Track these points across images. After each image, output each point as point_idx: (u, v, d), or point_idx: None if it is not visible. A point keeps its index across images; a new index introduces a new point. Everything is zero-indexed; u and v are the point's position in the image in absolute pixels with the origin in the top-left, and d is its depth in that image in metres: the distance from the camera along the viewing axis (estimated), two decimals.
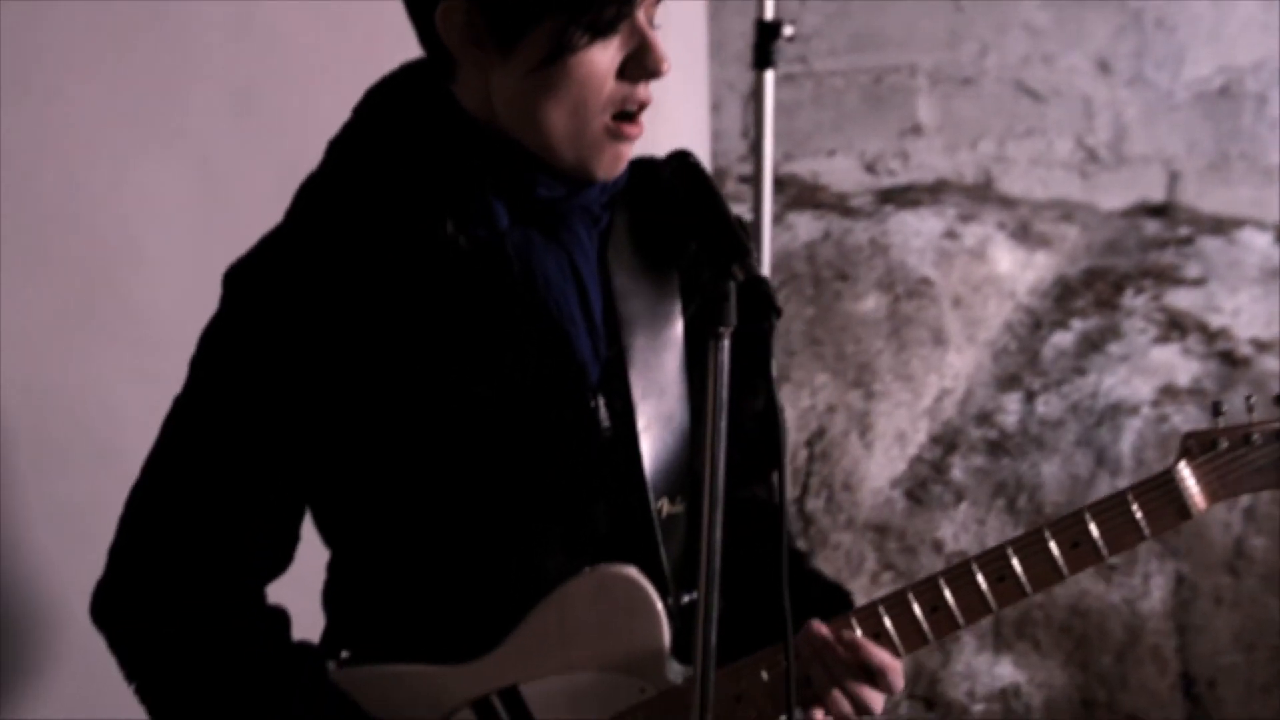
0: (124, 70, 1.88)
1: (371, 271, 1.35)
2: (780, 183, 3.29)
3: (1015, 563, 1.39)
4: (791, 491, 2.90)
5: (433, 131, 1.36)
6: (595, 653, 1.38)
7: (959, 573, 1.40)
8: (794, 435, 2.96)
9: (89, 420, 1.88)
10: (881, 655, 1.37)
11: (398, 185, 1.35)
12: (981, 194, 3.29)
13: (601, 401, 1.38)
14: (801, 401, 2.98)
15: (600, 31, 1.30)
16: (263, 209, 1.93)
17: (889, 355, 3.04)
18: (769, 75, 2.43)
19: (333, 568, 1.47)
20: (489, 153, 1.35)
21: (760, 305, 1.16)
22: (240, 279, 1.38)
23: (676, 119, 2.30)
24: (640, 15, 1.33)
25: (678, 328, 1.41)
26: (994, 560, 1.40)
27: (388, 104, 1.40)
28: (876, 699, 1.38)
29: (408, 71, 1.41)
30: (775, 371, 1.14)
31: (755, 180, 2.46)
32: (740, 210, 3.16)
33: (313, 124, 1.95)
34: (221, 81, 1.95)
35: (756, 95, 2.44)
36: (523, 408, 1.35)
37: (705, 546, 1.12)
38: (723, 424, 1.14)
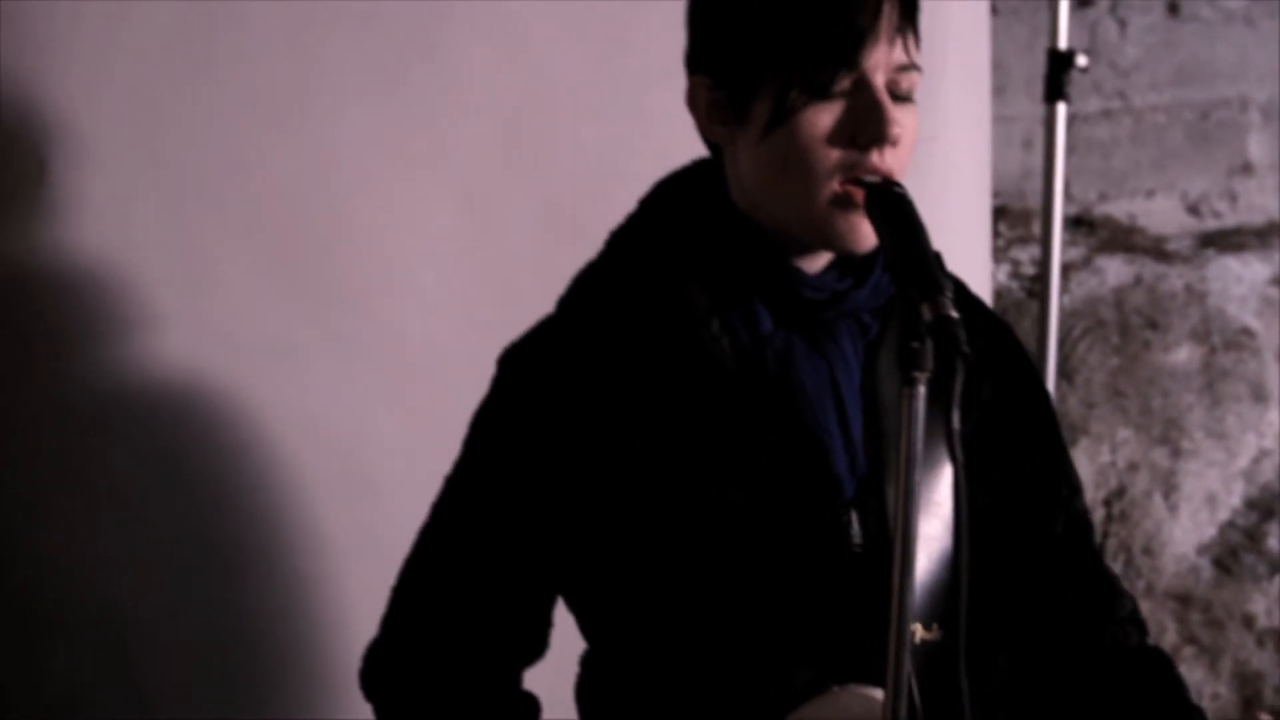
0: (394, 100, 1.93)
1: (635, 366, 1.34)
2: (1092, 224, 3.14)
3: None
4: None
5: (704, 227, 1.36)
6: None
7: None
8: (1091, 493, 2.80)
9: (348, 449, 1.92)
10: None
11: (667, 282, 1.35)
12: None
13: (855, 517, 1.32)
14: (1100, 457, 2.82)
15: (817, 92, 1.27)
16: (524, 239, 1.95)
17: (1201, 411, 2.84)
18: (1061, 109, 2.30)
19: (584, 662, 1.46)
20: (754, 250, 1.33)
21: (944, 349, 1.06)
22: (510, 363, 1.41)
23: (956, 157, 2.20)
24: (877, 77, 1.28)
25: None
26: None
27: (667, 197, 1.40)
28: None
29: (695, 166, 1.41)
30: (958, 423, 1.05)
31: (1045, 222, 2.33)
32: (1030, 253, 3.02)
33: (576, 156, 1.97)
34: (487, 112, 1.96)
35: (1048, 130, 2.32)
36: (771, 518, 1.31)
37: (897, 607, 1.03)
38: (915, 479, 1.05)
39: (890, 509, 1.32)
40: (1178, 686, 1.42)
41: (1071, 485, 1.46)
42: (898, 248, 1.19)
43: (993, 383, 1.40)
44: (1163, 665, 1.44)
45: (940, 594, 1.31)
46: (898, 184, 1.26)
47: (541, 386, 1.37)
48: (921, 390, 1.07)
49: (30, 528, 1.83)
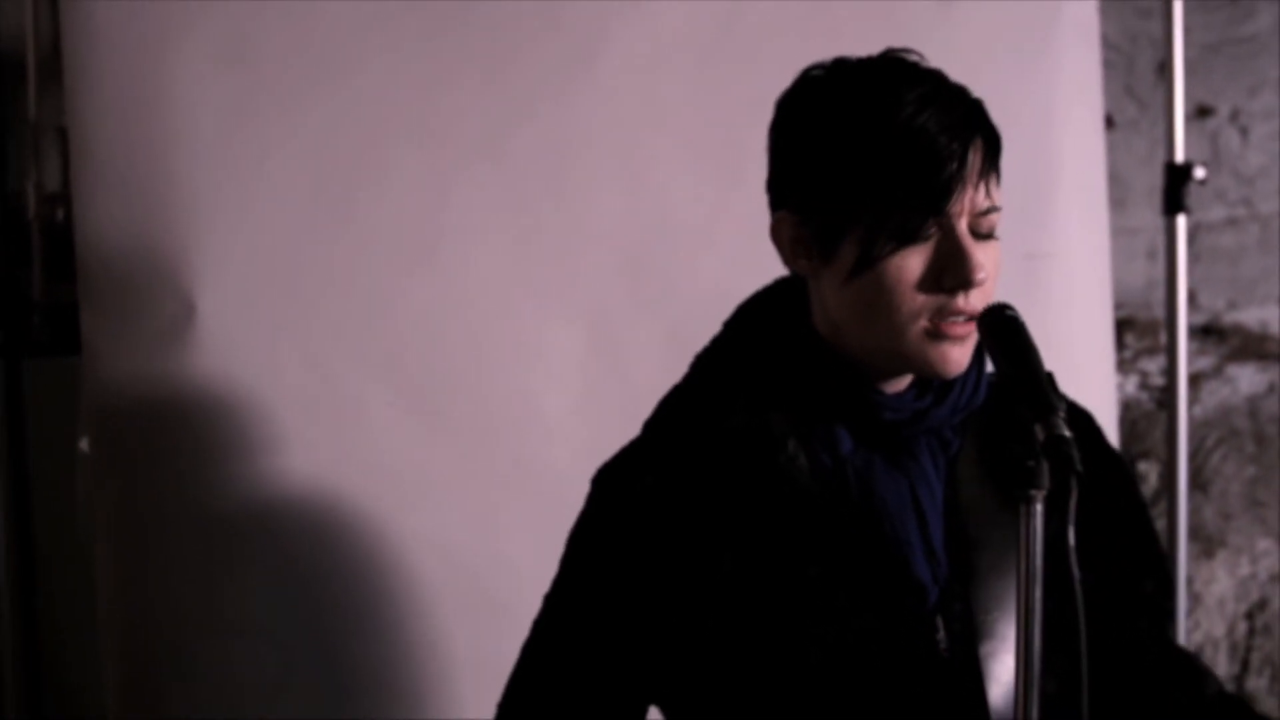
0: (523, 238, 1.99)
1: (719, 486, 1.38)
2: (1222, 333, 3.10)
3: None
4: (1229, 668, 2.66)
5: (785, 352, 1.39)
6: None
7: None
8: (1232, 606, 2.73)
9: (483, 574, 1.96)
10: None
11: (748, 404, 1.38)
12: None
13: (940, 623, 1.34)
14: (1240, 570, 2.76)
15: (905, 239, 1.30)
16: (648, 369, 1.98)
17: None
18: (1181, 221, 2.31)
19: None
20: (835, 374, 1.36)
21: (1059, 468, 1.08)
22: (602, 483, 1.46)
23: (1075, 272, 2.21)
24: (961, 223, 1.31)
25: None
26: None
27: (750, 320, 1.44)
28: None
29: (776, 288, 1.45)
30: (1073, 540, 1.06)
31: (1169, 334, 2.32)
32: (1159, 364, 2.99)
33: (698, 287, 2.02)
34: (612, 247, 2.02)
35: (1169, 242, 2.32)
36: (858, 629, 1.34)
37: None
38: (1036, 595, 1.06)
39: (976, 613, 1.34)
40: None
41: (1158, 578, 1.49)
42: (1010, 369, 1.22)
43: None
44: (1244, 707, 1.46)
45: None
46: (1009, 306, 1.28)
47: (631, 506, 1.41)
48: (1039, 508, 1.09)
49: (167, 650, 1.89)
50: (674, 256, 2.04)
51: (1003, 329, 1.26)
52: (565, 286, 2.01)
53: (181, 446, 1.88)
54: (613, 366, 2.01)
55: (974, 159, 1.32)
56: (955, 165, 1.30)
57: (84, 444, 1.99)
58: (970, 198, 1.32)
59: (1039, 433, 1.12)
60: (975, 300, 1.32)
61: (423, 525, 1.95)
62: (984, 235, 1.33)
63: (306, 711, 1.90)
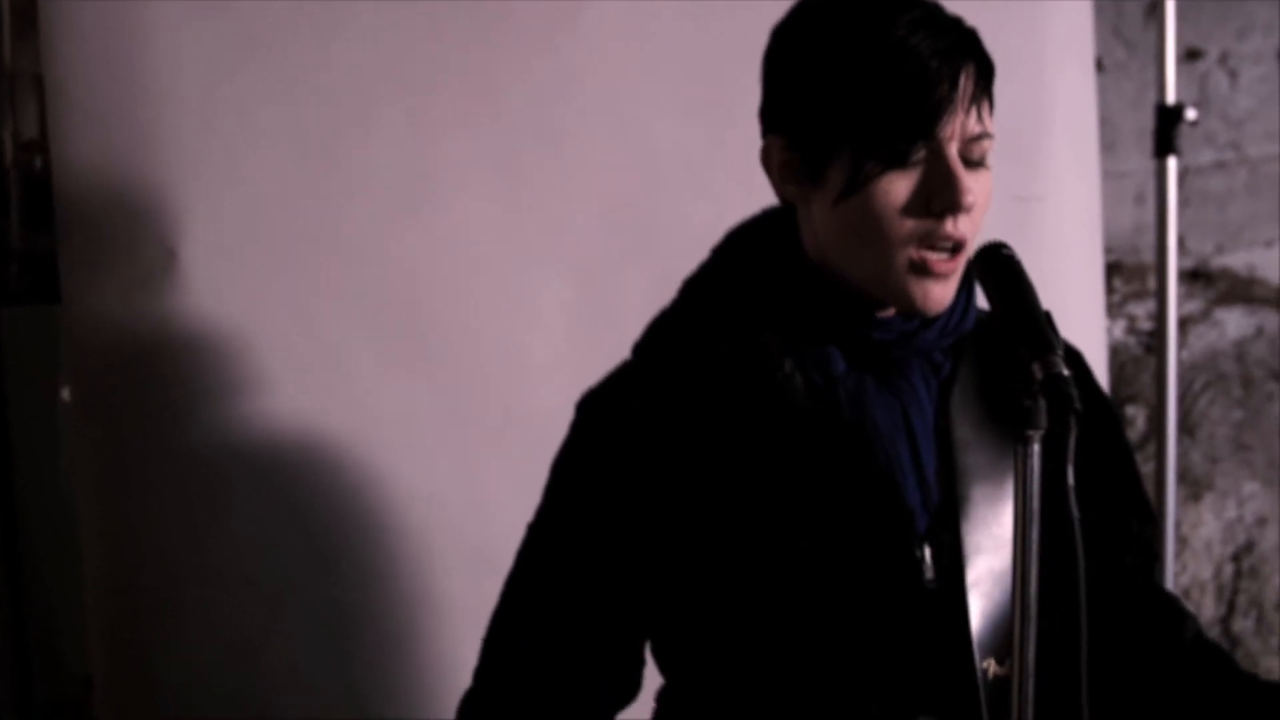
0: (510, 184, 1.97)
1: (710, 409, 1.37)
2: (1210, 277, 3.11)
3: None
4: (1216, 611, 2.67)
5: (776, 275, 1.38)
6: None
7: None
8: (1219, 549, 2.74)
9: (470, 521, 1.96)
10: None
11: (739, 327, 1.37)
12: None
13: (928, 552, 1.33)
14: (1227, 512, 2.77)
15: (893, 162, 1.29)
16: (637, 317, 1.97)
17: None
18: (1172, 163, 2.30)
19: (661, 697, 1.47)
20: (825, 296, 1.35)
21: (1058, 407, 1.07)
22: (587, 408, 1.44)
23: (1066, 216, 2.20)
24: (951, 147, 1.29)
25: None
26: None
27: (740, 246, 1.43)
28: None
29: (765, 216, 1.44)
30: (1072, 479, 1.06)
31: (1159, 277, 2.32)
32: (1146, 308, 2.99)
33: (686, 234, 1.99)
34: (600, 193, 2.01)
35: (1159, 185, 2.32)
36: (845, 553, 1.32)
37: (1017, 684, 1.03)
38: (1033, 535, 1.06)
39: (964, 544, 1.33)
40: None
41: (1143, 516, 1.48)
42: (1007, 308, 1.21)
43: None
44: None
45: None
46: (1005, 245, 1.27)
47: (618, 431, 1.39)
48: (1037, 448, 1.08)
49: (152, 599, 1.87)
50: (663, 204, 2.02)
51: (1000, 268, 1.24)
52: (554, 235, 1.99)
53: (163, 395, 1.87)
54: (602, 315, 2.00)
55: (965, 83, 1.30)
56: (946, 88, 1.28)
57: (65, 393, 1.98)
58: (961, 122, 1.30)
59: (1037, 372, 1.11)
60: (963, 227, 1.31)
61: (409, 473, 1.94)
62: (975, 162, 1.32)
63: (292, 658, 1.90)
